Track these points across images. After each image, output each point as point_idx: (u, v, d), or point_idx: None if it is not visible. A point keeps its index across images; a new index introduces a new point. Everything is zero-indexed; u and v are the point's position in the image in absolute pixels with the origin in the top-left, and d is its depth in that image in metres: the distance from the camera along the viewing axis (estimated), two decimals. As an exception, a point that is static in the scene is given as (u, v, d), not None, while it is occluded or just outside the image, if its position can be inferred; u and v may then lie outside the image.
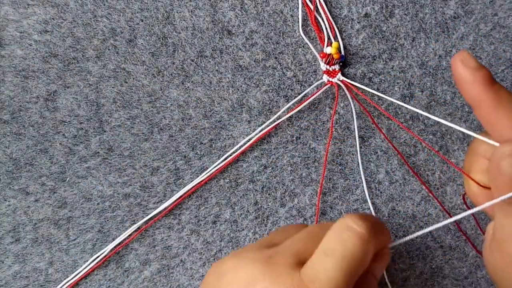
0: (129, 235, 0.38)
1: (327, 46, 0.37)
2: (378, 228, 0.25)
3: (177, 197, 0.38)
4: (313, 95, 0.37)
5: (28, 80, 0.38)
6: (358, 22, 0.38)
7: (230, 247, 0.38)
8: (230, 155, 0.38)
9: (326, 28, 0.38)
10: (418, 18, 0.38)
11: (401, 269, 0.38)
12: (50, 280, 0.38)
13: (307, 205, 0.38)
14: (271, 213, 0.38)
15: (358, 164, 0.38)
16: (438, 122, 0.38)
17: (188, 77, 0.38)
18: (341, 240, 0.23)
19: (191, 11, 0.38)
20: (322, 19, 0.38)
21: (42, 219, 0.38)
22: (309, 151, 0.38)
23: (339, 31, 0.38)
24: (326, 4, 0.38)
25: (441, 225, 0.26)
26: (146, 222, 0.38)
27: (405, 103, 0.38)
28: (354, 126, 0.38)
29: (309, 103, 0.38)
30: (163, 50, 0.38)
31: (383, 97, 0.38)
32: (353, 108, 0.38)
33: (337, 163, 0.38)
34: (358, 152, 0.38)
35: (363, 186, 0.38)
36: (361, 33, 0.38)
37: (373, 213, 0.38)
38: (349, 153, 0.38)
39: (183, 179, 0.38)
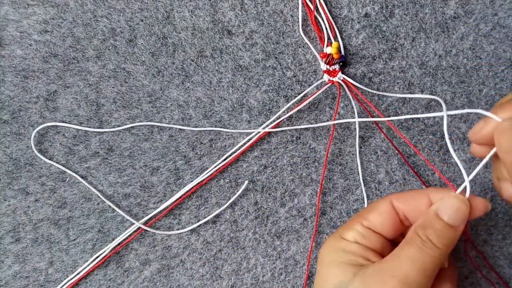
0: (129, 235, 0.38)
1: (327, 46, 0.37)
2: None
3: (177, 197, 0.38)
4: (314, 94, 0.37)
5: (28, 80, 0.38)
6: (358, 22, 0.38)
7: (230, 247, 0.38)
8: (230, 155, 0.38)
9: (326, 28, 0.38)
10: (418, 18, 0.38)
11: (401, 269, 0.38)
12: (50, 280, 0.38)
13: (307, 205, 0.38)
14: (271, 213, 0.38)
15: (358, 164, 0.38)
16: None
17: (188, 77, 0.38)
18: None
19: (191, 11, 0.38)
20: (322, 19, 0.38)
21: (42, 219, 0.38)
22: (309, 151, 0.38)
23: (339, 31, 0.38)
24: (326, 4, 0.38)
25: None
26: (146, 222, 0.38)
27: (405, 103, 0.38)
28: (354, 126, 0.38)
29: (309, 103, 0.38)
30: (163, 50, 0.38)
31: (384, 95, 0.38)
32: (354, 107, 0.38)
33: (337, 163, 0.38)
34: (357, 152, 0.38)
35: (363, 186, 0.38)
36: (361, 33, 0.38)
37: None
38: (349, 153, 0.38)
39: (183, 179, 0.38)
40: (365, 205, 0.38)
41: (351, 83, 0.37)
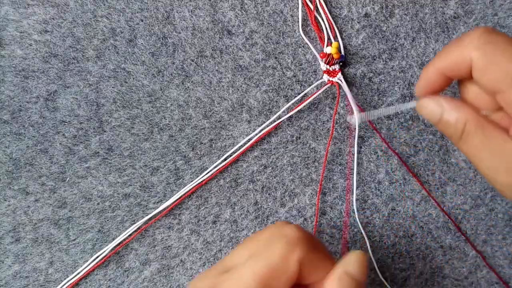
0: (129, 235, 0.38)
1: (327, 46, 0.37)
2: None
3: (177, 197, 0.38)
4: (313, 94, 0.37)
5: (28, 80, 0.38)
6: (358, 22, 0.38)
7: (230, 247, 0.38)
8: (230, 155, 0.38)
9: (326, 28, 0.38)
10: (418, 18, 0.38)
11: (401, 269, 0.38)
12: (50, 280, 0.38)
13: (307, 205, 0.38)
14: (271, 213, 0.38)
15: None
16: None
17: (188, 77, 0.38)
18: None
19: (191, 11, 0.38)
20: (322, 19, 0.38)
21: (42, 219, 0.38)
22: (309, 151, 0.38)
23: (339, 31, 0.38)
24: (326, 4, 0.38)
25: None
26: (146, 222, 0.38)
27: (405, 103, 0.38)
28: (354, 126, 0.38)
29: (309, 103, 0.38)
30: (163, 50, 0.38)
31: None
32: (354, 107, 0.38)
33: (337, 163, 0.38)
34: (355, 152, 0.38)
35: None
36: (361, 33, 0.38)
37: (357, 217, 0.38)
38: (349, 153, 0.38)
39: (183, 179, 0.38)
40: (354, 205, 0.38)
41: (344, 88, 0.37)
